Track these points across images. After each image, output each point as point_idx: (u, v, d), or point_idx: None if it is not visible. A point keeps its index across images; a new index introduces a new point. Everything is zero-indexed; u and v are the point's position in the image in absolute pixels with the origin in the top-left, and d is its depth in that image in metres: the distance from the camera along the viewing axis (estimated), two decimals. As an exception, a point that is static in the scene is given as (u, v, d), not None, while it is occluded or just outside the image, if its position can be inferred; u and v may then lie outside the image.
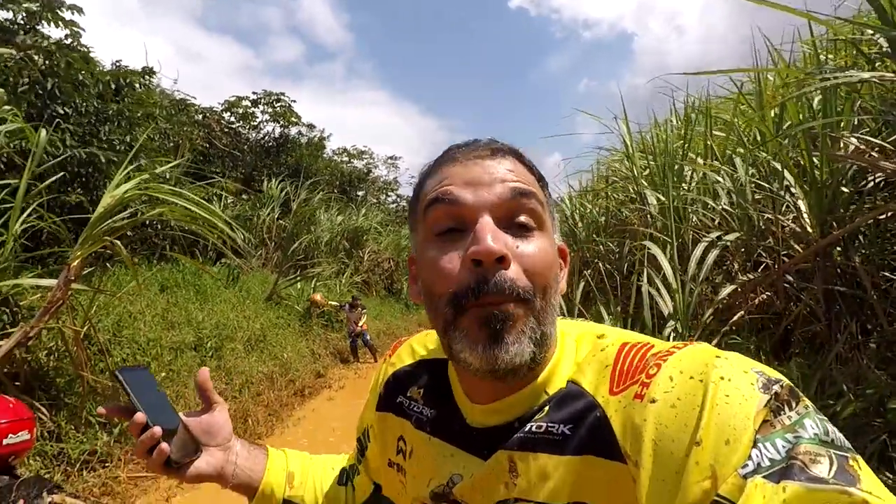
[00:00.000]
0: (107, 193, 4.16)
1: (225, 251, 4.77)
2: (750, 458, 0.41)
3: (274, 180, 13.89)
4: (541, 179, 0.62)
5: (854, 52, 2.79)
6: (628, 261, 4.03)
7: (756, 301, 2.85)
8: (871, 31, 2.67)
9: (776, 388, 0.44)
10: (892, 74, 2.31)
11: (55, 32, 7.59)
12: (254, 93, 16.95)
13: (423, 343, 0.76)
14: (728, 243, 3.03)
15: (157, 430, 0.66)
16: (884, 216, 2.33)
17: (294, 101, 17.24)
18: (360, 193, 22.36)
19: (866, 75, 2.36)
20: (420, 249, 0.60)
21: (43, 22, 7.43)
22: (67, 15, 7.46)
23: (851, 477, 0.39)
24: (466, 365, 0.54)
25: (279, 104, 17.04)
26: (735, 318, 2.83)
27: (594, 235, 4.72)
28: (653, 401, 0.47)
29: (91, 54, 7.64)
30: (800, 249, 2.73)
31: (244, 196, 13.43)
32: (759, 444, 0.41)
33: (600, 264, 4.24)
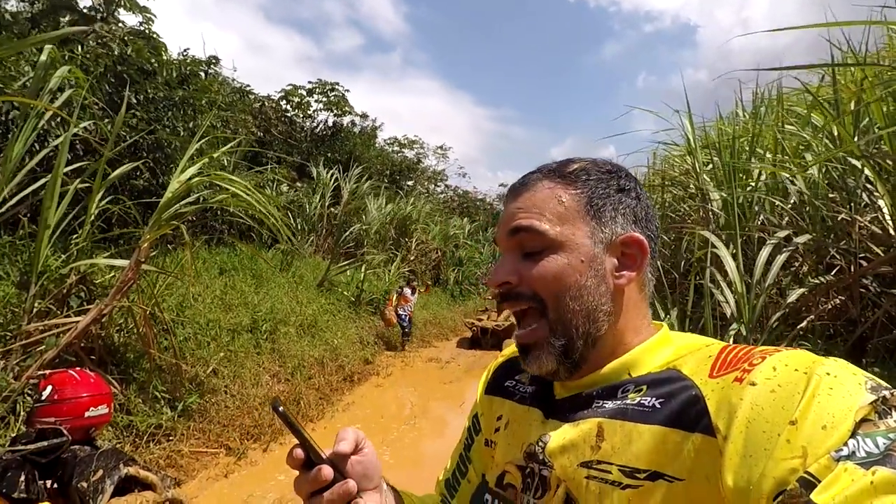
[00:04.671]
0: (174, 179, 4.36)
1: (283, 232, 4.92)
2: (846, 444, 0.41)
3: (325, 167, 14.15)
4: (580, 184, 0.65)
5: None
6: (685, 258, 3.88)
7: (828, 306, 2.69)
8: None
9: (886, 392, 0.44)
10: None
11: (130, 20, 8.00)
12: (309, 82, 17.30)
13: None
14: (798, 245, 2.86)
15: (351, 483, 0.60)
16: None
17: (348, 91, 17.47)
18: (409, 183, 22.50)
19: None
20: None
21: (120, 9, 7.83)
22: (142, 0, 7.84)
23: None
24: None
25: (333, 94, 17.31)
26: (804, 323, 2.69)
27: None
28: (752, 384, 0.48)
29: (161, 40, 7.97)
30: (879, 252, 2.55)
31: (297, 183, 13.77)
32: (858, 437, 0.41)
33: (657, 262, 4.11)
